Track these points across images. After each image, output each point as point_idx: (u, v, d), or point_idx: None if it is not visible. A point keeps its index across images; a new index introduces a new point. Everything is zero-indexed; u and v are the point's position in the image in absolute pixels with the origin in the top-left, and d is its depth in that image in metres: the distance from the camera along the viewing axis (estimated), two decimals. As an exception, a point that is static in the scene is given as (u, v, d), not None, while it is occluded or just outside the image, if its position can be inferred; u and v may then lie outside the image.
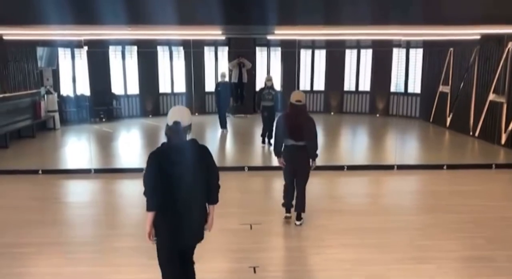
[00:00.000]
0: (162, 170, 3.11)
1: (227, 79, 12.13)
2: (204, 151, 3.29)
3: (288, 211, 5.58)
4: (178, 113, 3.22)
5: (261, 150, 10.07)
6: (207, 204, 3.34)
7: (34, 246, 4.96)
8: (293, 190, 5.51)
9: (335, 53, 15.25)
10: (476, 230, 5.44)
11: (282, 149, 5.46)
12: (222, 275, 4.29)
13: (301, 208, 5.47)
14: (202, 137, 11.13)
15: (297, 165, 5.41)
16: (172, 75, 14.78)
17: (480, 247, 4.94)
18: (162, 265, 3.30)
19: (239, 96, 13.12)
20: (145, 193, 3.18)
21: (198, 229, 3.31)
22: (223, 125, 11.82)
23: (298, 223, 5.45)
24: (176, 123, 3.15)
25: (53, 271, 4.41)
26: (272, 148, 9.79)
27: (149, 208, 3.16)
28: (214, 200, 3.34)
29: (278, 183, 7.08)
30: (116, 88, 14.24)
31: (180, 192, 3.14)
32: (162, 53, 14.67)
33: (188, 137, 3.26)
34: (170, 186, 3.12)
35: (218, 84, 11.93)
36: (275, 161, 9.02)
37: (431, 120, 13.48)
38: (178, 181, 3.12)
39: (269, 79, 10.10)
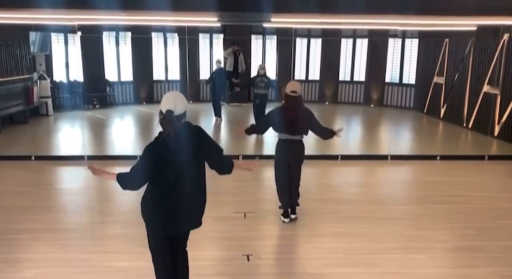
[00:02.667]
0: (161, 159, 3.06)
1: (222, 65, 12.06)
2: (199, 132, 3.21)
3: (286, 215, 5.30)
4: (172, 101, 3.08)
5: (255, 139, 10.07)
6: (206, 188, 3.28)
7: (28, 232, 4.95)
8: (288, 188, 5.29)
9: (331, 42, 15.19)
10: (467, 220, 5.50)
11: (278, 141, 5.25)
12: (216, 263, 4.31)
13: (295, 201, 5.33)
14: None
15: (292, 158, 5.22)
16: (166, 62, 14.66)
17: (471, 237, 4.99)
18: (153, 250, 3.30)
19: (234, 85, 13.08)
20: (123, 176, 3.14)
21: (195, 215, 3.27)
22: (217, 113, 11.74)
23: (293, 216, 5.31)
24: (169, 112, 3.04)
25: (47, 257, 4.40)
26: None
27: (123, 184, 3.17)
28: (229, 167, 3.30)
29: (272, 172, 7.09)
30: (110, 74, 14.11)
31: (179, 179, 3.09)
32: (157, 39, 14.53)
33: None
34: (169, 174, 3.07)
35: (213, 72, 11.88)
36: (268, 150, 9.11)
37: (425, 111, 13.52)
38: (177, 168, 3.07)
39: (262, 67, 10.23)
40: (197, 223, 3.30)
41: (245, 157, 8.24)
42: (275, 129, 5.21)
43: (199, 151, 3.15)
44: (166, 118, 3.05)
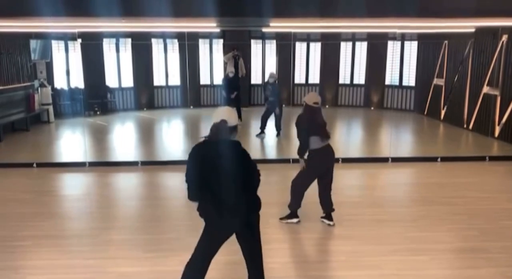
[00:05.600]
0: (202, 163, 3.24)
1: (230, 74, 12.12)
2: (244, 154, 3.39)
3: (295, 216, 5.42)
4: (226, 113, 3.35)
5: (258, 143, 10.10)
6: None
7: (30, 239, 4.96)
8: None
9: (331, 46, 15.22)
10: (470, 221, 5.50)
11: (313, 151, 5.20)
12: (220, 267, 4.31)
13: (331, 208, 5.36)
14: (196, 130, 11.14)
15: (330, 163, 5.28)
16: (166, 68, 14.70)
17: (474, 239, 4.99)
18: (201, 246, 3.45)
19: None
20: (187, 191, 3.36)
21: (243, 214, 3.39)
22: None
23: (332, 223, 5.33)
24: (224, 121, 3.28)
25: (49, 264, 4.41)
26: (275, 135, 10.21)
27: (189, 198, 3.36)
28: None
29: (275, 176, 7.12)
30: (110, 81, 14.15)
31: (216, 185, 3.25)
32: (157, 45, 14.57)
33: (233, 138, 3.38)
34: (208, 179, 3.24)
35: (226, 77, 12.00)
36: (270, 154, 9.13)
37: (425, 113, 13.53)
38: (215, 175, 3.23)
39: (271, 76, 10.42)
40: (249, 219, 3.46)
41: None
42: (312, 133, 5.16)
43: (238, 167, 3.29)
44: (219, 126, 3.28)
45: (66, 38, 12.91)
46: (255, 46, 15.03)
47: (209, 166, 3.24)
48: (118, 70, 14.28)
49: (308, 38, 15.19)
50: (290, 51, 13.32)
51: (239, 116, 11.72)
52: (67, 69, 13.46)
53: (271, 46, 15.12)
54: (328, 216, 5.38)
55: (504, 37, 9.92)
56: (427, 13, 7.31)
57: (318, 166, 5.27)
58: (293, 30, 11.46)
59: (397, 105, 14.53)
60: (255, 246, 3.57)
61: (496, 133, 10.16)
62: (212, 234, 3.40)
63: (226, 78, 11.85)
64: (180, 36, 13.81)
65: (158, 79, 14.66)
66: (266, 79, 10.77)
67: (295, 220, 5.42)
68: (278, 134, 10.36)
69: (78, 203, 6.31)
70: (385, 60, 14.69)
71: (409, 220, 5.55)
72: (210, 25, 9.95)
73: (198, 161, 3.26)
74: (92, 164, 8.09)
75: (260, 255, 3.59)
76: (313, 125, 5.13)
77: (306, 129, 5.16)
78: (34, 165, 8.01)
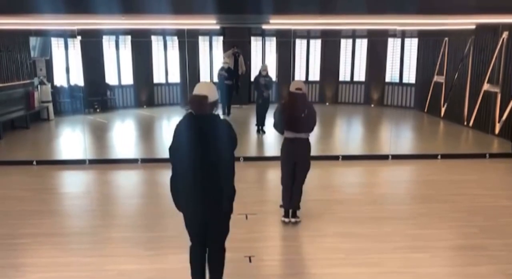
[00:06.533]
0: (182, 139, 3.21)
1: (223, 72, 12.14)
2: (226, 125, 3.31)
3: (286, 215, 5.32)
4: (206, 88, 3.25)
5: (256, 140, 10.10)
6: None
7: (30, 237, 4.96)
8: (290, 188, 5.27)
9: (331, 43, 15.19)
10: (470, 219, 5.49)
11: (284, 140, 5.23)
12: (218, 264, 4.31)
13: (295, 205, 5.26)
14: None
15: (297, 157, 5.19)
16: (166, 65, 14.68)
17: (474, 236, 4.99)
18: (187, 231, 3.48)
19: (234, 87, 13.09)
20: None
21: (208, 205, 3.33)
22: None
23: (293, 220, 5.27)
24: (205, 97, 3.18)
25: (49, 261, 4.41)
26: (264, 134, 10.20)
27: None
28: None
29: (273, 173, 7.10)
30: (110, 78, 14.14)
31: (196, 161, 3.20)
32: (156, 43, 14.55)
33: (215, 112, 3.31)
34: (187, 154, 3.21)
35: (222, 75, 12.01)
36: (270, 151, 9.11)
37: (425, 110, 13.52)
38: (196, 151, 3.18)
39: (264, 68, 10.31)
40: (209, 213, 3.38)
41: (246, 159, 8.24)
42: (285, 124, 5.16)
43: (222, 141, 3.23)
44: (200, 101, 3.17)
45: (66, 35, 12.89)
46: (255, 43, 15.00)
47: (187, 142, 3.21)
48: (118, 67, 14.26)
49: (308, 35, 15.16)
50: (290, 49, 13.29)
51: (229, 111, 11.74)
52: (66, 67, 13.44)
53: (271, 43, 15.09)
54: (292, 212, 5.29)
55: (505, 34, 9.90)
56: (427, 10, 7.29)
57: (285, 156, 5.25)
58: (293, 27, 11.44)
59: (397, 103, 14.51)
60: (212, 243, 3.51)
61: (497, 130, 10.14)
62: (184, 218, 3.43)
63: (223, 69, 11.83)
64: (180, 34, 13.77)
65: (158, 77, 14.65)
66: (258, 73, 10.48)
67: (286, 219, 5.30)
68: (262, 130, 10.33)
69: (78, 201, 6.31)
70: (385, 58, 14.67)
71: (409, 218, 5.55)
72: (210, 22, 9.91)
73: (178, 139, 3.26)
74: (92, 162, 8.09)
75: (217, 256, 3.54)
76: (287, 117, 5.07)
77: (280, 112, 5.14)
78: (34, 163, 8.01)
